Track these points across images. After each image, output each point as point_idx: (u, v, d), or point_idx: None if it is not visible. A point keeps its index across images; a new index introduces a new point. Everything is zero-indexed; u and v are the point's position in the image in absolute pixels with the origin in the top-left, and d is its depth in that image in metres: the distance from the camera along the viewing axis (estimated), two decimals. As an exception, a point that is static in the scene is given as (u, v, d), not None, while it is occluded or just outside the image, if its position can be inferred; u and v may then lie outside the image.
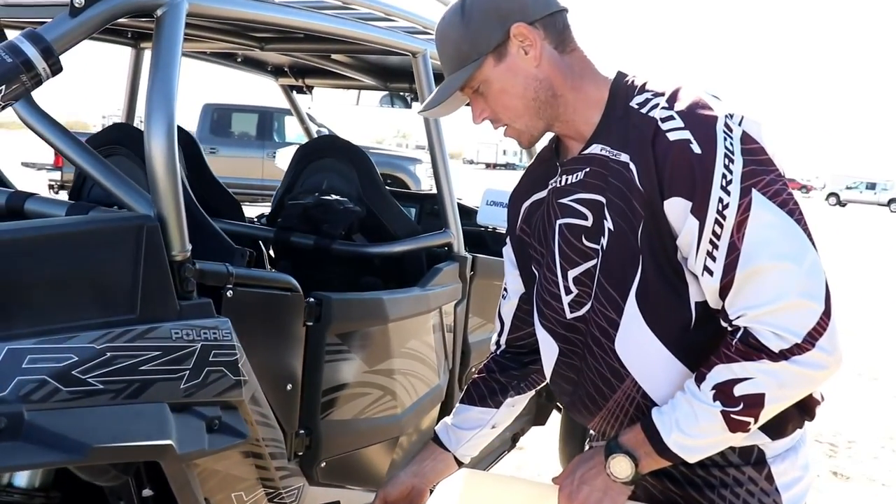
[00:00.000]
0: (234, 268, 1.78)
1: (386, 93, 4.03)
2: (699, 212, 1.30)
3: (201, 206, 3.00)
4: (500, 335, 1.83)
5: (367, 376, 2.28)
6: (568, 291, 1.50)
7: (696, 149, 1.31)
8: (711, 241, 1.30)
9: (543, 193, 1.59)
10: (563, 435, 3.53)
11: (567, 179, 1.49)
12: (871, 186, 50.71)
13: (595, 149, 1.44)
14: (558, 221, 1.51)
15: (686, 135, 1.32)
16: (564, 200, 1.49)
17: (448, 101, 1.49)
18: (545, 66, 1.43)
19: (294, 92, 4.01)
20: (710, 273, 1.32)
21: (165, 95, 1.59)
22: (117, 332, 1.47)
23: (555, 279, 1.53)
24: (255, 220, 3.58)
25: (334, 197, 2.78)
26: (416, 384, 2.50)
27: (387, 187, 3.43)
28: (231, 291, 1.76)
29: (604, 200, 1.42)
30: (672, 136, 1.33)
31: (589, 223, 1.45)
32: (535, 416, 3.44)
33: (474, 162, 72.80)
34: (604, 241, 1.43)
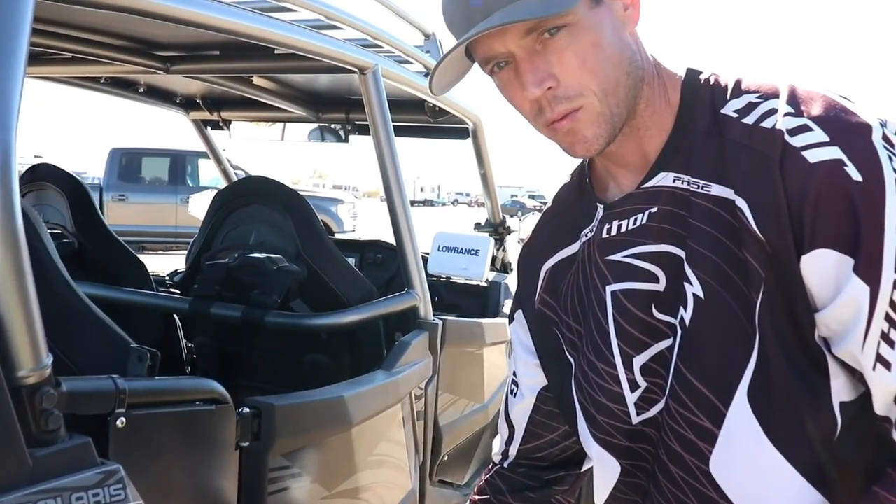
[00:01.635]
0: (127, 380, 1.17)
1: (315, 126, 3.51)
2: (868, 272, 0.87)
3: (96, 271, 2.41)
4: (508, 444, 1.35)
5: (327, 502, 1.67)
6: (634, 387, 1.06)
7: (853, 174, 0.87)
8: (888, 317, 0.87)
9: (574, 248, 1.16)
10: None
11: (619, 226, 1.06)
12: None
13: (664, 179, 1.02)
14: (609, 287, 1.07)
15: (835, 153, 0.89)
16: (617, 257, 1.06)
17: (453, 63, 0.99)
18: (637, 38, 1.01)
19: (209, 128, 3.44)
20: (887, 365, 0.88)
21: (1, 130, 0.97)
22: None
23: (612, 371, 1.07)
24: (168, 277, 2.98)
25: (265, 255, 2.18)
26: (388, 496, 1.91)
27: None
28: (123, 418, 1.15)
29: (682, 254, 0.99)
30: (813, 156, 0.89)
31: (661, 286, 1.02)
32: None
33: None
34: (685, 314, 0.98)
